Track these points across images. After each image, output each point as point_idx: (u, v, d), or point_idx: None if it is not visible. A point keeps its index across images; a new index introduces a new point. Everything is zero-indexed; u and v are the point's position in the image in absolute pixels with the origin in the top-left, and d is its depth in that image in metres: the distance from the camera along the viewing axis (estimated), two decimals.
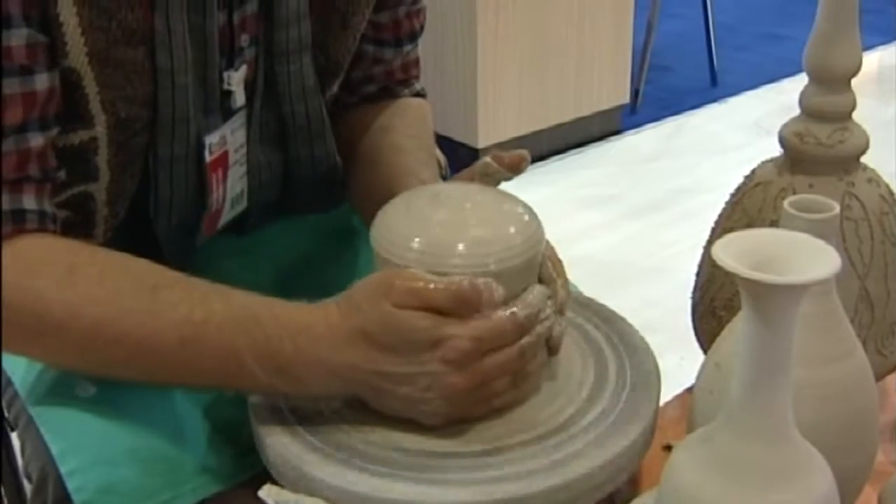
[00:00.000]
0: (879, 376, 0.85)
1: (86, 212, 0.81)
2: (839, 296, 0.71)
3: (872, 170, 0.89)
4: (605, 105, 3.18)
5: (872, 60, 3.75)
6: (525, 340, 0.69)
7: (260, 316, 0.70)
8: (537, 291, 0.71)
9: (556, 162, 2.99)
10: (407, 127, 0.97)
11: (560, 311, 0.75)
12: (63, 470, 0.76)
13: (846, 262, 0.84)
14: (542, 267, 0.74)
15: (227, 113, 0.85)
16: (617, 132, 3.27)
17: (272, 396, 0.73)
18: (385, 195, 0.79)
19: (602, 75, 3.13)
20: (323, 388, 0.71)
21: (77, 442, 0.76)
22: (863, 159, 0.89)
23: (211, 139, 0.83)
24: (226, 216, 0.90)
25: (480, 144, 2.76)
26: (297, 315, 0.71)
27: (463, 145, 2.75)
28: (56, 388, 0.80)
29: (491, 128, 2.80)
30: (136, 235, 0.84)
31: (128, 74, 0.76)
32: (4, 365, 0.85)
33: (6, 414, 0.88)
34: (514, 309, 0.69)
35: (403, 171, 0.89)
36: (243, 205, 0.91)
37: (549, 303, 0.73)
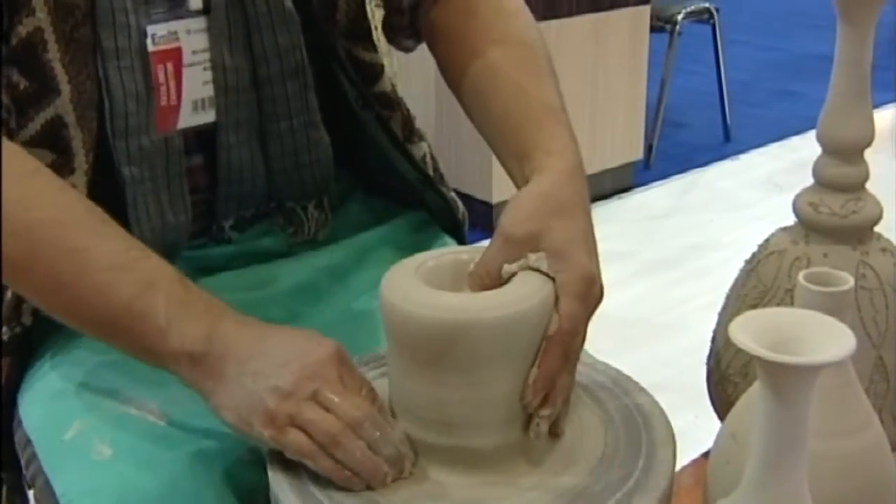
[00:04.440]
0: None
1: (62, 142, 0.82)
2: (854, 365, 0.71)
3: (887, 239, 0.90)
4: (619, 161, 3.20)
5: (885, 118, 3.77)
6: (358, 432, 0.70)
7: (186, 279, 0.76)
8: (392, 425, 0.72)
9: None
10: (488, 32, 0.91)
11: None
12: None
13: (861, 331, 0.84)
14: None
15: (178, 8, 0.85)
16: (630, 188, 3.29)
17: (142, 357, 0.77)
18: (508, 143, 0.85)
19: (615, 131, 3.15)
20: (186, 361, 0.73)
21: None
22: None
23: (155, 29, 0.84)
24: (186, 118, 0.89)
25: (495, 200, 2.77)
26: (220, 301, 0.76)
27: (478, 200, 2.77)
28: (72, 452, 0.80)
29: (505, 183, 2.76)
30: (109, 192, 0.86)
31: None
32: (25, 425, 0.85)
33: (24, 472, 0.88)
34: (367, 404, 0.71)
35: (511, 102, 0.87)
36: (210, 115, 0.90)
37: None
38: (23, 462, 0.87)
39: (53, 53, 0.80)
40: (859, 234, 0.87)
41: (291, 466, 0.73)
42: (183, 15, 0.86)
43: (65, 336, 0.88)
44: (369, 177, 1.07)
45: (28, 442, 0.85)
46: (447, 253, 0.78)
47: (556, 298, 0.71)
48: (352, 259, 0.99)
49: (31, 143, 0.81)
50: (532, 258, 0.72)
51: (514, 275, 0.73)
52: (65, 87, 0.81)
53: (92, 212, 0.77)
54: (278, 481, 0.72)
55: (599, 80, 3.05)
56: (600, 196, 3.17)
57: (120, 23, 0.82)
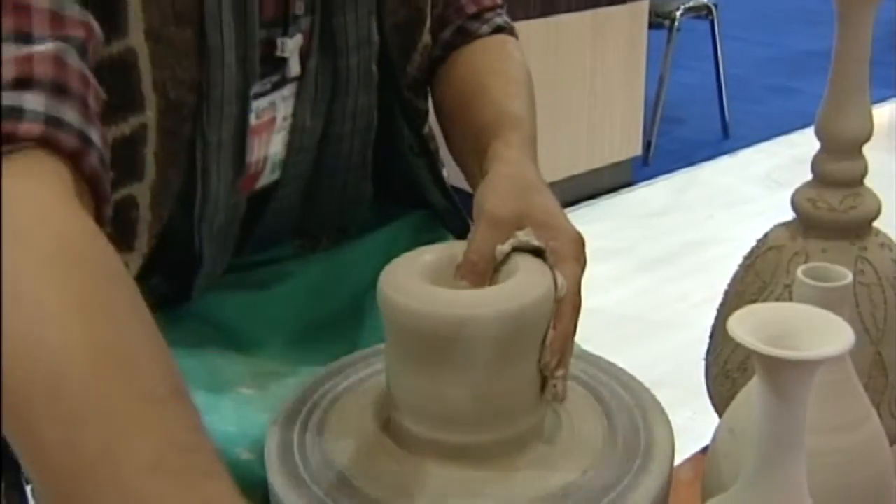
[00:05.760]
0: (894, 440, 0.85)
1: (128, 222, 0.80)
2: (853, 361, 0.71)
3: (885, 234, 0.90)
4: (618, 157, 3.20)
5: (883, 114, 3.77)
6: None
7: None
8: None
9: (567, 214, 3.02)
10: (490, 65, 0.95)
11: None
12: None
13: (859, 327, 0.84)
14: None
15: (281, 81, 0.85)
16: (629, 184, 3.29)
17: None
18: (474, 142, 0.83)
19: (614, 127, 3.15)
20: None
21: None
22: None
23: (258, 104, 0.83)
24: (263, 179, 0.89)
25: None
26: None
27: None
28: None
29: None
30: (174, 246, 0.83)
31: (178, 55, 0.75)
32: None
33: (23, 469, 0.88)
34: None
35: (489, 111, 0.88)
36: (278, 173, 0.90)
37: None
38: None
39: (150, 147, 0.78)
40: (858, 229, 0.87)
41: (291, 466, 0.73)
42: (281, 84, 0.85)
43: None
44: (372, 178, 1.07)
45: None
46: (445, 247, 0.78)
47: (553, 263, 0.73)
48: (355, 258, 1.00)
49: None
50: (521, 234, 0.74)
51: (507, 255, 0.74)
52: (149, 177, 0.79)
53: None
54: (278, 481, 0.72)
55: (598, 76, 3.05)
56: (599, 192, 3.18)
57: (227, 115, 0.80)
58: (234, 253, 0.92)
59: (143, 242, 0.81)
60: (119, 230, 0.79)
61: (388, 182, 1.03)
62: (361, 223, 1.01)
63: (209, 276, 0.88)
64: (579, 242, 0.75)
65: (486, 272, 0.73)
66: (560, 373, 0.72)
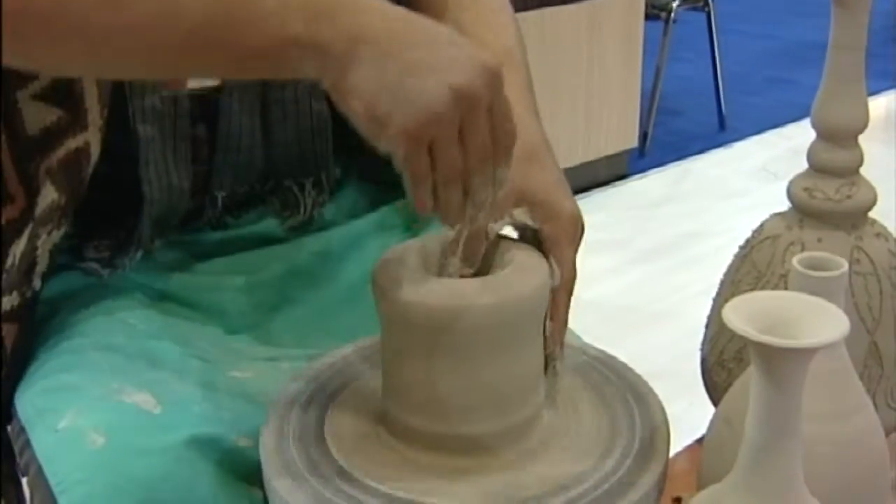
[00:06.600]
0: (889, 430, 0.85)
1: (72, 100, 0.80)
2: (849, 351, 0.71)
3: (881, 224, 0.90)
4: (614, 149, 3.20)
5: (879, 105, 3.77)
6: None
7: None
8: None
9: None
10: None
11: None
12: None
13: (855, 316, 0.84)
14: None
15: None
16: (625, 176, 3.29)
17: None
18: None
19: (610, 119, 3.15)
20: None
21: (84, 497, 0.76)
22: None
23: None
24: (195, 81, 0.88)
25: None
26: None
27: None
28: (66, 440, 0.80)
29: None
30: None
31: None
32: (19, 413, 0.85)
33: (18, 461, 0.88)
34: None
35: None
36: (217, 79, 0.89)
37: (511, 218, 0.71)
38: (16, 450, 0.87)
39: None
40: (853, 219, 0.87)
41: (287, 456, 0.73)
42: None
43: (60, 322, 0.88)
44: (363, 162, 1.06)
45: (21, 430, 0.84)
46: (440, 238, 0.78)
47: (548, 248, 0.73)
48: (345, 244, 0.99)
49: (37, 98, 0.79)
50: (516, 213, 0.74)
51: (503, 242, 0.74)
52: None
53: None
54: (273, 470, 0.72)
55: (594, 68, 3.04)
56: (595, 184, 3.18)
57: None
58: (204, 190, 0.92)
59: (95, 116, 0.81)
60: (65, 108, 0.80)
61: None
62: (333, 178, 0.99)
63: (179, 193, 0.88)
64: (576, 223, 0.75)
65: (477, 249, 0.73)
66: (560, 352, 0.74)
